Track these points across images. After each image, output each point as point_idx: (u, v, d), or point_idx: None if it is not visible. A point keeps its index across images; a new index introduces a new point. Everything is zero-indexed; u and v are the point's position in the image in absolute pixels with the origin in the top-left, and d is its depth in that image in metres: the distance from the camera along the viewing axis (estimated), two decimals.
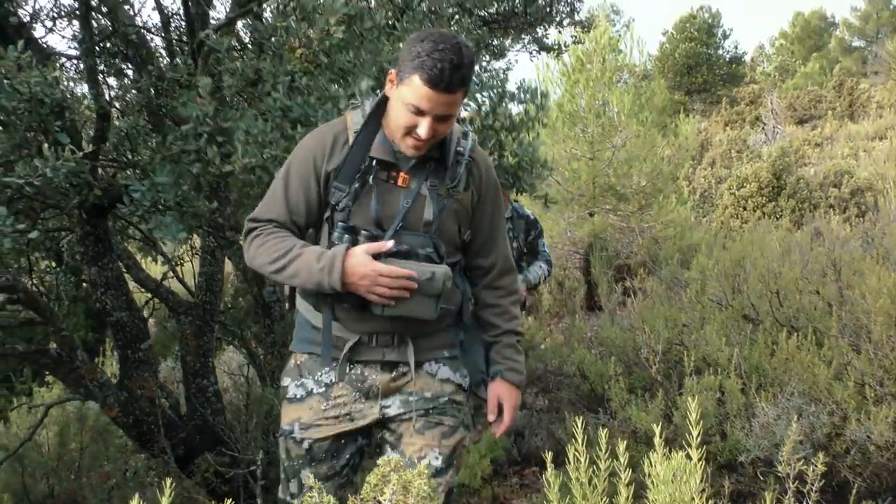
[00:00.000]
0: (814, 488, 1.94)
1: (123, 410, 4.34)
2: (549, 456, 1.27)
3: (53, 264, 4.87)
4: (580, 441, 1.25)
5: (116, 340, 4.43)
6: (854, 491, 2.36)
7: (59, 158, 2.46)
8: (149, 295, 5.11)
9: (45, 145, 2.50)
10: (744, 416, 2.93)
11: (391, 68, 2.10)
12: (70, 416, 5.80)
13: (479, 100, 3.48)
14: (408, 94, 1.99)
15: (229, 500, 1.64)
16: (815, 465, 2.11)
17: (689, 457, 1.10)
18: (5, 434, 6.04)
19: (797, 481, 2.34)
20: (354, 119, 2.18)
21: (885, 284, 3.19)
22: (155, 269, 7.25)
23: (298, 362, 2.27)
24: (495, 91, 3.63)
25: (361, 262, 2.03)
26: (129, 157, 3.09)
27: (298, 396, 2.24)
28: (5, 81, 2.62)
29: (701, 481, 1.18)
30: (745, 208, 11.88)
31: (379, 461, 1.63)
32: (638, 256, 8.47)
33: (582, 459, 1.22)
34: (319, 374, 2.23)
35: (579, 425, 1.27)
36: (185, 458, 4.54)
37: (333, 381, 2.22)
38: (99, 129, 3.18)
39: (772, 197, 11.84)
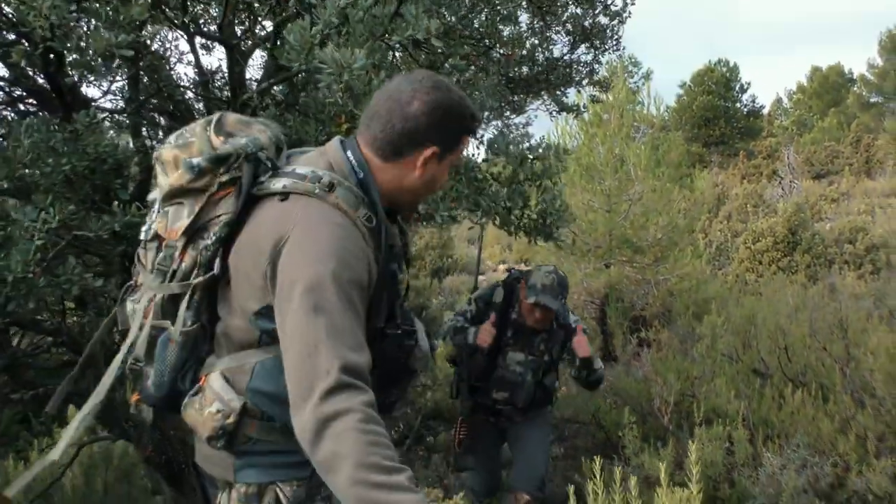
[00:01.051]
0: None
1: (156, 450, 4.53)
2: (571, 489, 1.44)
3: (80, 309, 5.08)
4: (598, 477, 1.43)
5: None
6: None
7: (126, 214, 2.70)
8: None
9: (115, 203, 2.74)
10: (751, 465, 3.09)
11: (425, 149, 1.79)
12: (96, 455, 5.97)
13: (508, 154, 3.72)
14: (457, 156, 1.87)
15: None
16: None
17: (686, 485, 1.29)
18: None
19: None
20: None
21: (884, 344, 3.36)
22: None
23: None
24: (521, 146, 3.88)
25: None
26: None
27: None
28: (77, 143, 2.87)
29: None
30: (760, 262, 12.02)
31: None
32: (653, 308, 8.61)
33: (600, 492, 1.40)
34: None
35: (598, 463, 1.45)
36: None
37: None
38: (143, 182, 3.42)
39: (787, 252, 11.99)
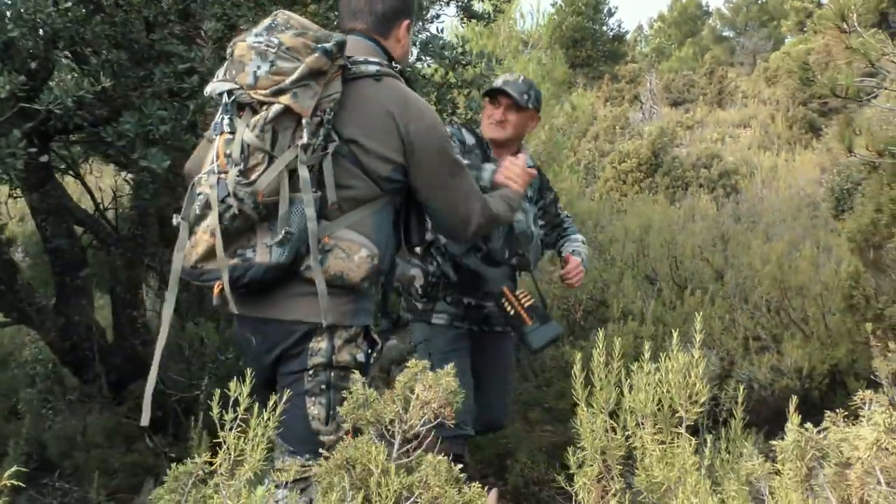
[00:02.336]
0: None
1: (60, 336, 4.47)
2: None
3: None
4: None
5: (54, 267, 4.53)
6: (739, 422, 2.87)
7: (81, 89, 2.65)
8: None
9: (67, 75, 2.68)
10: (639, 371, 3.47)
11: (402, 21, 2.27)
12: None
13: (441, 57, 3.85)
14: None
15: None
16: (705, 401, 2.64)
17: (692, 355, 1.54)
18: None
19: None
20: None
21: (774, 252, 3.80)
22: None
23: None
24: (455, 51, 4.00)
25: None
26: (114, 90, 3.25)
27: None
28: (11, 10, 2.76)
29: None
30: (624, 182, 12.71)
31: (408, 363, 1.99)
32: None
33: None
34: None
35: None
36: (116, 386, 4.71)
37: None
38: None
39: (649, 173, 12.73)
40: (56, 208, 4.40)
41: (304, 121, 1.95)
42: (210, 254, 2.01)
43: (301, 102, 1.94)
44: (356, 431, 1.90)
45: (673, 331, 3.64)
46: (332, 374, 2.12)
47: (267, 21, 2.04)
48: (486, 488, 1.76)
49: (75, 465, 4.52)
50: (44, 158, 3.14)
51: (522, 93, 3.10)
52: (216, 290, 2.09)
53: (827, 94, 3.18)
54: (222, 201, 1.97)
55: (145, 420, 2.10)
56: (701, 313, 2.01)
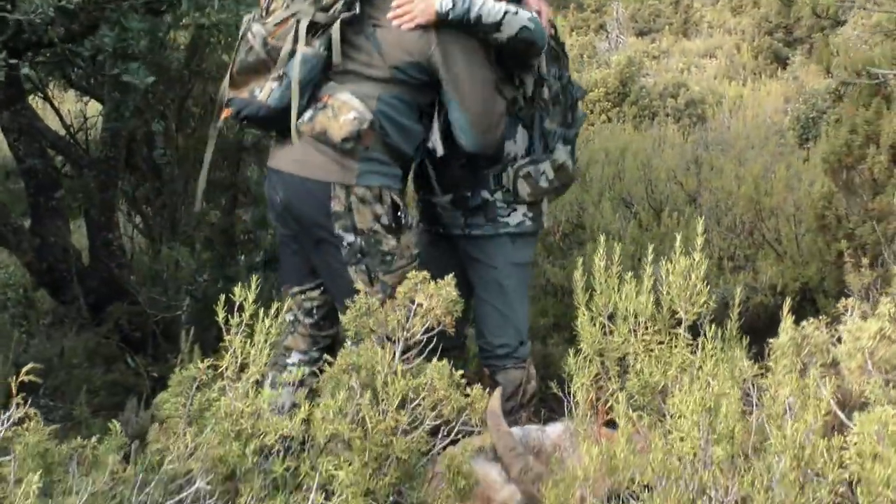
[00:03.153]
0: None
1: (37, 257, 4.43)
2: None
3: None
4: None
5: (28, 188, 4.46)
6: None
7: None
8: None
9: None
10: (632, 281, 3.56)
11: None
12: None
13: None
14: None
15: None
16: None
17: (693, 258, 1.60)
18: None
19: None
20: None
21: (750, 173, 3.89)
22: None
23: None
24: None
25: None
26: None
27: None
28: None
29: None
30: (592, 111, 12.70)
31: (409, 274, 2.03)
32: None
33: None
34: None
35: None
36: (94, 307, 4.70)
37: None
38: None
39: (617, 102, 12.74)
40: (28, 128, 4.32)
41: None
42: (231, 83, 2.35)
43: None
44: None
45: (644, 251, 3.75)
46: (362, 240, 2.32)
47: None
48: (486, 390, 1.82)
49: (55, 385, 4.53)
50: (24, 71, 3.06)
51: None
52: (222, 116, 2.42)
53: (806, 15, 3.21)
54: (243, 36, 2.31)
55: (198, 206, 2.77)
56: (680, 233, 2.05)
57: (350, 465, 1.61)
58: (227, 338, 1.78)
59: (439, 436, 1.80)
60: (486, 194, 2.70)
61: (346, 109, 2.26)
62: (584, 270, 1.76)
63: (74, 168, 5.00)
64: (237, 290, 1.80)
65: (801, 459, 1.03)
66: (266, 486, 1.67)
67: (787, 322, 1.59)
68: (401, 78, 2.32)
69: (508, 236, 2.75)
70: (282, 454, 1.67)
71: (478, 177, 2.69)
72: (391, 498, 1.73)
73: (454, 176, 2.69)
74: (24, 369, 1.43)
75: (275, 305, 1.87)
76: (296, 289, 2.59)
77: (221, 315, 1.77)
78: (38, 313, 5.43)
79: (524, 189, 2.71)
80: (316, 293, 2.57)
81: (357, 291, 2.08)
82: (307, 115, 2.30)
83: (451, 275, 1.99)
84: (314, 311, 2.58)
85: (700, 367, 1.70)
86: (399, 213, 2.37)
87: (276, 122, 2.36)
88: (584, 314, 1.71)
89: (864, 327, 1.32)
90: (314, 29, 2.23)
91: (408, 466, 1.73)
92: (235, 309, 1.81)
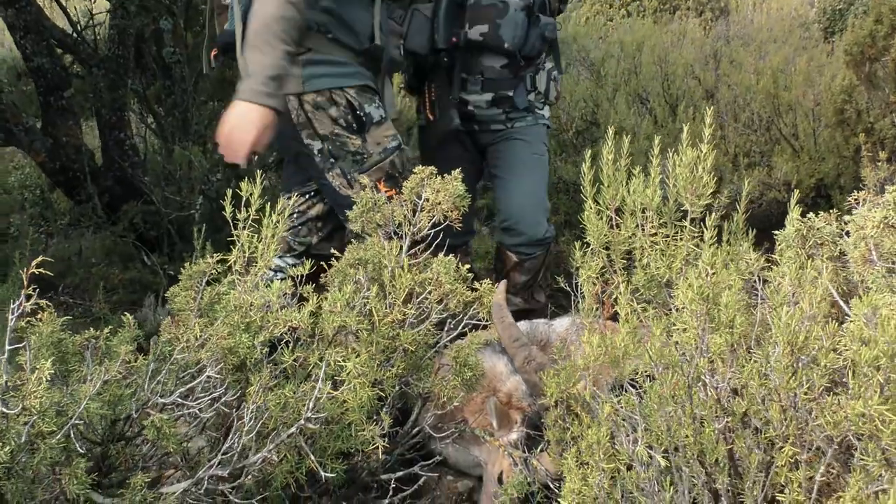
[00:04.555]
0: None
1: (50, 156, 4.44)
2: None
3: None
4: None
5: (38, 87, 4.43)
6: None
7: None
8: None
9: None
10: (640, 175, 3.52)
11: None
12: None
13: None
14: None
15: None
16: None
17: (700, 150, 1.58)
18: None
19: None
20: None
21: (769, 67, 3.79)
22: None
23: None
24: None
25: None
26: None
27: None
28: None
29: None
30: (611, 6, 12.35)
31: (416, 169, 2.02)
32: None
33: None
34: None
35: None
36: (109, 207, 4.73)
37: None
38: None
39: None
40: (34, 26, 4.25)
41: None
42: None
43: None
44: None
45: (666, 146, 3.70)
46: (328, 144, 2.26)
47: None
48: (492, 282, 1.83)
49: (75, 283, 4.62)
50: None
51: None
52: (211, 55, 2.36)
53: None
54: None
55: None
56: (688, 127, 2.01)
57: (358, 356, 1.64)
58: (234, 233, 1.79)
59: (445, 328, 1.82)
60: (531, 97, 2.91)
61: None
62: (593, 165, 1.74)
63: (83, 67, 4.95)
64: (244, 185, 1.81)
65: (795, 346, 1.04)
66: (276, 376, 1.71)
67: (793, 213, 1.58)
68: None
69: (546, 126, 3.04)
70: (291, 346, 1.70)
71: (517, 78, 2.85)
72: (398, 388, 1.77)
73: (494, 77, 2.83)
74: (35, 261, 1.44)
75: (280, 202, 1.88)
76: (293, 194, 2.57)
77: (229, 210, 1.78)
78: (56, 213, 5.49)
79: (553, 92, 3.00)
80: (300, 200, 2.54)
81: (344, 199, 2.14)
82: None
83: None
84: (294, 216, 2.56)
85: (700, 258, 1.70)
86: (357, 112, 2.27)
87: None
88: (590, 207, 1.70)
89: (869, 217, 1.30)
90: None
91: (415, 358, 1.76)
92: (242, 204, 1.82)
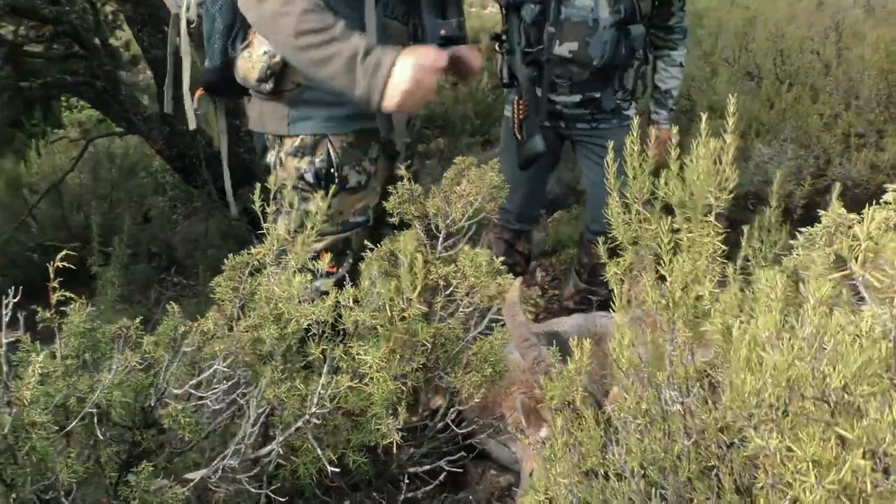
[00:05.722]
0: (796, 212, 2.36)
1: (167, 144, 4.70)
2: None
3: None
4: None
5: (156, 77, 4.69)
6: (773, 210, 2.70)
7: None
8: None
9: None
10: (741, 157, 3.34)
11: None
12: (101, 153, 6.16)
13: None
14: None
15: None
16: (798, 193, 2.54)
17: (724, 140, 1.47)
18: (42, 166, 6.39)
19: (782, 209, 2.79)
20: None
21: (882, 41, 3.48)
22: None
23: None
24: None
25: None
26: None
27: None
28: None
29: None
30: None
31: (455, 160, 2.00)
32: None
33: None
34: None
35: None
36: (224, 191, 4.95)
37: None
38: None
39: None
40: (151, 18, 4.49)
41: None
42: None
43: None
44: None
45: (764, 127, 3.49)
46: (291, 192, 1.99)
47: None
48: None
49: (195, 263, 4.89)
50: None
51: None
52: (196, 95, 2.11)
53: None
54: None
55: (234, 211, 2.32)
56: (778, 106, 1.87)
57: (379, 350, 1.65)
58: (265, 225, 1.83)
59: (473, 322, 1.80)
60: (618, 97, 2.88)
61: (257, 46, 1.91)
62: (616, 155, 1.66)
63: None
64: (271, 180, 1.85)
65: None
66: (302, 368, 1.75)
67: (834, 205, 1.44)
68: None
69: (629, 127, 2.84)
70: (318, 338, 1.72)
71: (605, 79, 2.83)
72: (421, 383, 1.77)
73: (582, 80, 2.80)
74: (59, 255, 1.53)
75: (318, 195, 1.90)
76: None
77: (258, 203, 1.83)
78: (192, 196, 5.82)
79: (640, 88, 2.95)
80: None
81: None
82: (237, 55, 1.97)
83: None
84: None
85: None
86: (332, 171, 2.00)
87: (222, 84, 2.04)
88: (614, 200, 1.63)
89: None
90: None
91: (438, 353, 1.75)
92: (271, 197, 1.87)
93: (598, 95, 2.86)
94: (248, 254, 1.90)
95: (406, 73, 1.75)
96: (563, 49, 2.71)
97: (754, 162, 3.23)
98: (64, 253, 1.59)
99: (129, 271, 5.29)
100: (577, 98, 2.86)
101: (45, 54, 4.37)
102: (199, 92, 2.11)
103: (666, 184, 1.57)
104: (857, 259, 1.13)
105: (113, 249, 4.25)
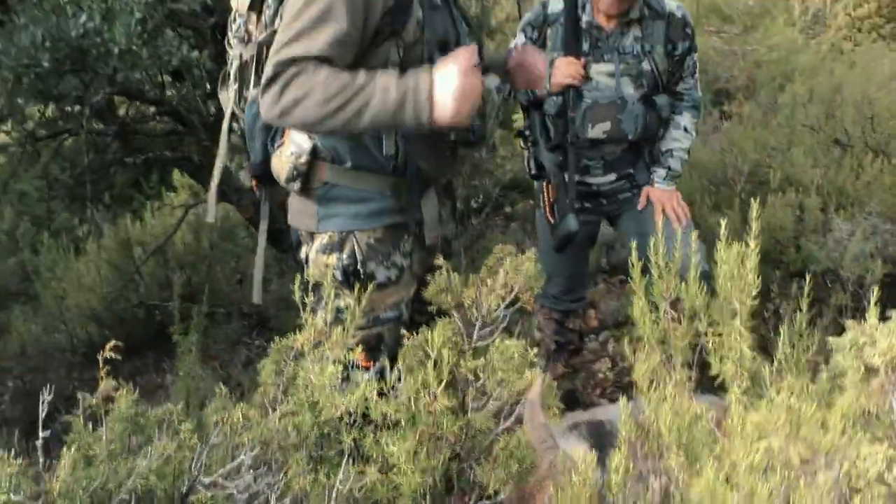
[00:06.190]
0: (871, 290, 2.24)
1: (256, 212, 4.89)
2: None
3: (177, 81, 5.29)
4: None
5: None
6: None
7: None
8: None
9: None
10: (820, 231, 3.22)
11: None
12: (200, 218, 6.48)
13: None
14: None
15: None
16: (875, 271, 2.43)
17: (746, 244, 1.43)
18: (145, 232, 6.79)
19: (859, 286, 2.67)
20: None
21: None
22: None
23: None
24: None
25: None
26: None
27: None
28: None
29: (757, 275, 1.52)
30: (859, 30, 11.32)
31: (495, 248, 2.02)
32: (738, 80, 8.38)
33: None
34: None
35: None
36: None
37: None
38: None
39: (891, 18, 11.25)
40: None
41: (237, 13, 2.01)
42: None
43: None
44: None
45: (846, 202, 3.35)
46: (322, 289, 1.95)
47: None
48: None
49: (283, 324, 5.04)
50: None
51: None
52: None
53: None
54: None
55: (256, 298, 2.28)
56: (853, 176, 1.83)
57: (405, 442, 1.67)
58: (304, 315, 1.89)
59: (502, 415, 1.80)
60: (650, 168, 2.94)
61: (287, 144, 1.96)
62: (640, 253, 1.64)
63: None
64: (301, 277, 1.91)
65: None
66: (334, 456, 1.78)
67: (871, 312, 1.39)
68: None
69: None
70: (349, 427, 1.75)
71: (637, 153, 2.92)
72: (453, 473, 1.77)
73: (614, 159, 2.88)
74: (108, 346, 1.62)
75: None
76: None
77: (298, 295, 1.89)
78: (281, 261, 6.04)
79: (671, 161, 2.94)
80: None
81: None
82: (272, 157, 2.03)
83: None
84: None
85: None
86: (358, 268, 2.02)
87: (267, 177, 2.09)
88: (640, 299, 1.60)
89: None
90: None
91: (465, 445, 1.75)
92: (309, 288, 1.93)
93: (632, 171, 2.94)
94: (293, 338, 1.97)
95: (448, 79, 1.71)
96: (597, 131, 2.76)
97: (834, 237, 3.11)
98: (112, 344, 1.69)
99: (222, 330, 5.52)
100: (612, 177, 2.93)
101: (150, 131, 4.66)
102: (255, 182, 2.19)
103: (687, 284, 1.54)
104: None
105: (200, 309, 4.44)
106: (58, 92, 2.82)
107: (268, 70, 1.72)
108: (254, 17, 1.98)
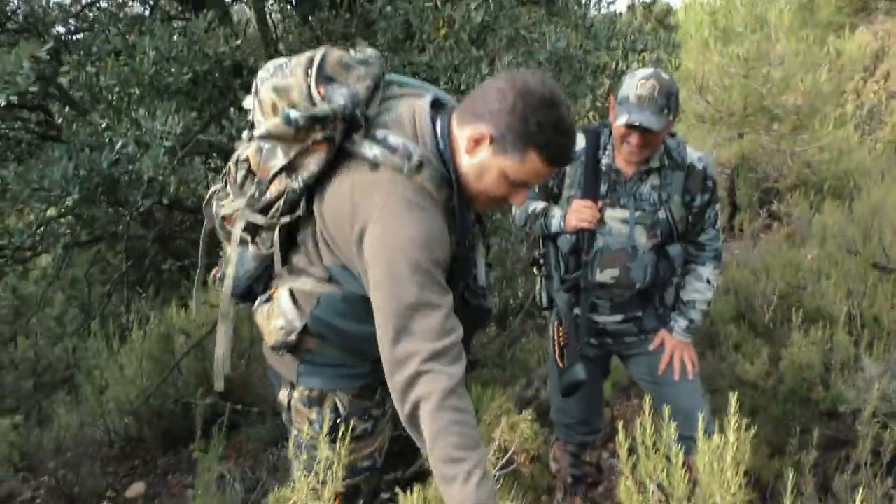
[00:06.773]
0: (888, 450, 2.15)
1: None
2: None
3: None
4: None
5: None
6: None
7: (242, 120, 2.91)
8: None
9: (231, 109, 2.94)
10: (851, 367, 3.11)
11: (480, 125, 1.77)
12: (241, 312, 6.53)
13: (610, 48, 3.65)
14: (517, 168, 1.77)
15: None
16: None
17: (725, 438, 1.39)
18: (189, 321, 6.87)
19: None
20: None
21: None
22: None
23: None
24: (629, 37, 3.79)
25: None
26: None
27: None
28: (195, 47, 3.05)
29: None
30: None
31: (493, 405, 2.01)
32: (788, 180, 8.30)
33: None
34: None
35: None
36: None
37: None
38: None
39: None
40: None
41: (256, 179, 1.90)
42: None
43: (262, 160, 1.89)
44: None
45: (879, 335, 3.23)
46: (302, 437, 2.02)
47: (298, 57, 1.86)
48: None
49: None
50: None
51: (660, 113, 2.54)
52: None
53: None
54: (207, 202, 2.13)
55: (218, 386, 2.24)
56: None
57: None
58: (297, 475, 1.89)
59: None
60: (659, 313, 2.88)
61: (276, 315, 1.96)
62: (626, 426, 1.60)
63: None
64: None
65: None
66: None
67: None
68: (341, 280, 1.88)
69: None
70: None
71: (646, 299, 2.84)
72: None
73: (623, 301, 2.81)
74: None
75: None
76: None
77: (292, 452, 1.89)
78: None
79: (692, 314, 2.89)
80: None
81: None
82: (257, 302, 2.04)
83: None
84: None
85: None
86: (339, 421, 1.99)
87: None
88: (626, 483, 1.55)
89: None
90: (256, 229, 1.95)
91: None
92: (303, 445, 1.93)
93: (639, 314, 2.87)
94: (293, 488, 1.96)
95: None
96: (605, 276, 2.72)
97: (864, 376, 2.99)
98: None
99: (255, 430, 5.50)
100: (618, 318, 2.85)
101: (187, 237, 4.79)
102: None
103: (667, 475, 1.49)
104: None
105: (226, 413, 4.44)
106: (89, 216, 2.91)
107: (413, 367, 1.66)
108: (274, 182, 1.90)
